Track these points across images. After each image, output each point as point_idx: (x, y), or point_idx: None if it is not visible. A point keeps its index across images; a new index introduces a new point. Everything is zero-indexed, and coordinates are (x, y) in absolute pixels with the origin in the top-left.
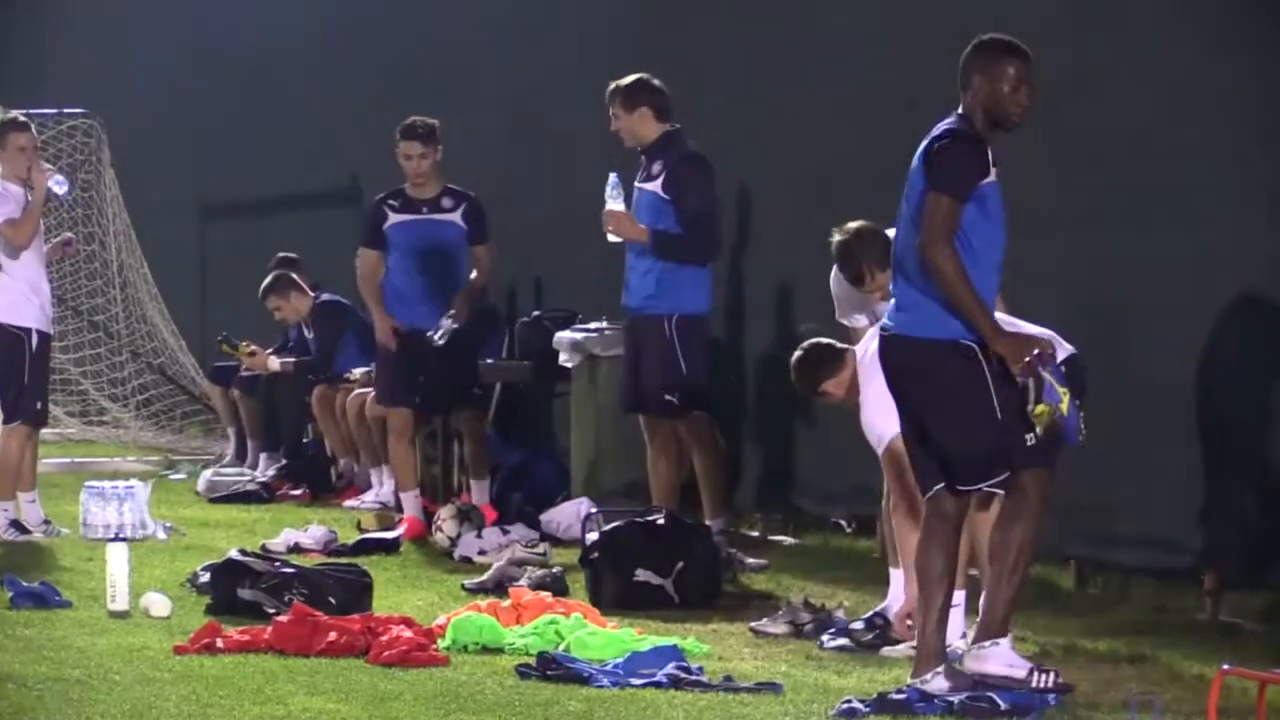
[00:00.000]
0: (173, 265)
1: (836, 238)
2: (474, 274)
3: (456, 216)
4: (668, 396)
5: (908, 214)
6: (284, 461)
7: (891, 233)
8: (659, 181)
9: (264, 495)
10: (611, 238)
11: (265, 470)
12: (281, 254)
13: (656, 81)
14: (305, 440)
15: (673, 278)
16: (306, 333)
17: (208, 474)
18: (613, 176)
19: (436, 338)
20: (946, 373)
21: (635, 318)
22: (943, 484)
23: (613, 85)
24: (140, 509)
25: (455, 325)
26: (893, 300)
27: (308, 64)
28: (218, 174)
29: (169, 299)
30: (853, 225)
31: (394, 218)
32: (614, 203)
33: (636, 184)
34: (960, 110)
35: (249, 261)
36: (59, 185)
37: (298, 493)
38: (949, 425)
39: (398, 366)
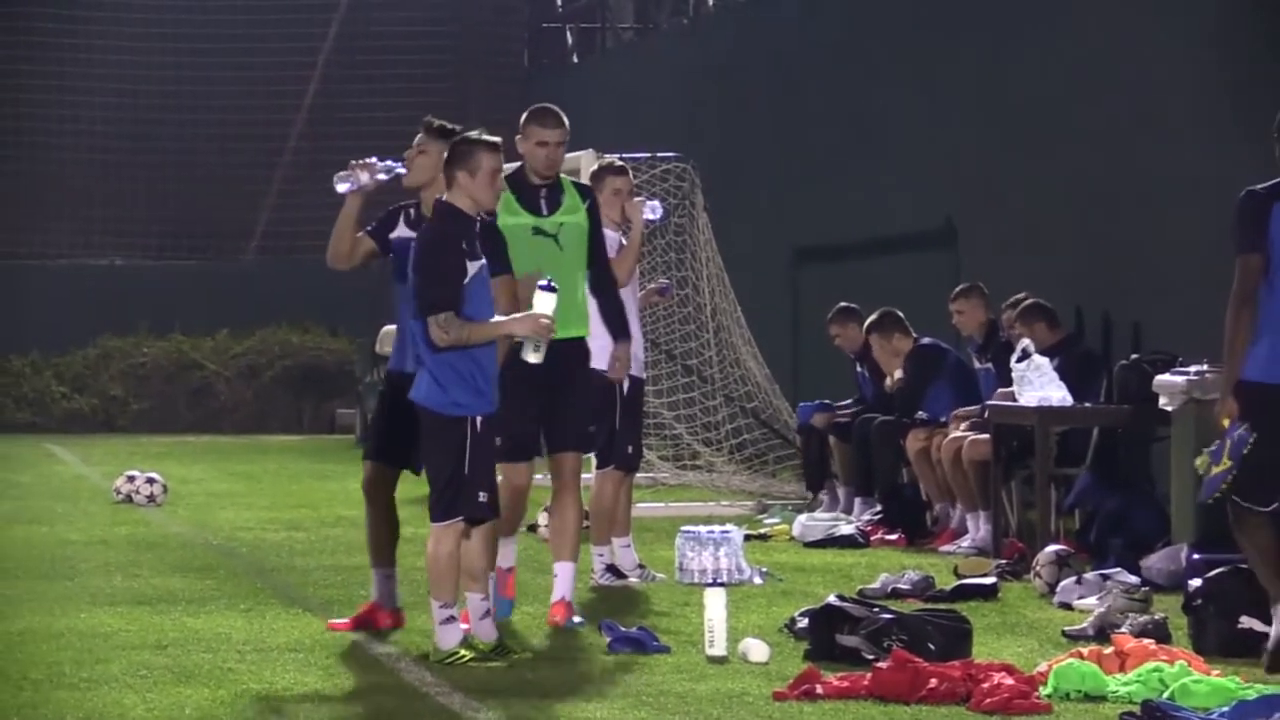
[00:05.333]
0: (765, 309)
1: None
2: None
3: None
4: None
5: None
6: (879, 506)
7: None
8: None
9: (859, 540)
10: None
11: (860, 515)
12: (842, 304)
13: None
14: (900, 484)
15: None
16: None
17: (802, 518)
18: None
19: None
20: None
21: None
22: None
23: None
24: (736, 553)
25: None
26: None
27: (905, 107)
28: (809, 217)
29: (761, 342)
30: None
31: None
32: None
33: None
34: None
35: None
36: (652, 212)
37: (893, 537)
38: None
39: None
